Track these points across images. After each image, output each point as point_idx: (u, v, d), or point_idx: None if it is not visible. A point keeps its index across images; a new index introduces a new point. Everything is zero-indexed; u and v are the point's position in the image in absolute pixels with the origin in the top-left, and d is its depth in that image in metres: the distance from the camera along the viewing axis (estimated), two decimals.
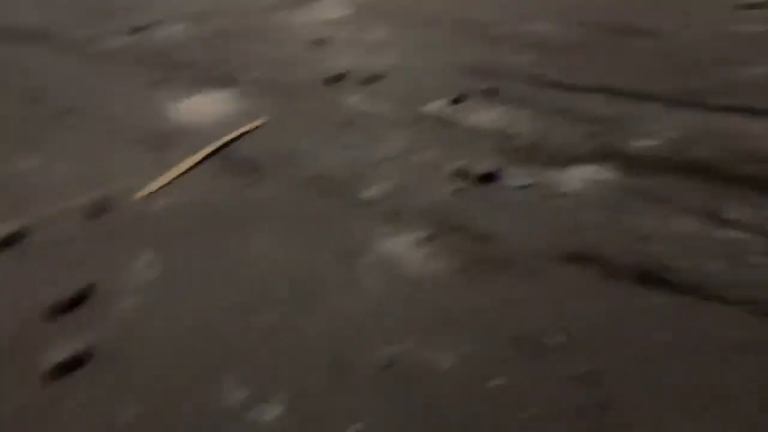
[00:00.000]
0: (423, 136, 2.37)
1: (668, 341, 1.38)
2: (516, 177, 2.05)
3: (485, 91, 2.70)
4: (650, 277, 1.58)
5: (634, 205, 1.87)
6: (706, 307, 1.47)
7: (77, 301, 1.65)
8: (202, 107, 2.76)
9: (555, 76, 2.78)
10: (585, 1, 3.84)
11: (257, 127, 2.53)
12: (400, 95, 2.74)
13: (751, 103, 2.37)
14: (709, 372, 1.30)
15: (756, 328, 1.40)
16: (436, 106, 2.61)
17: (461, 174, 2.09)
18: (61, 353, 1.46)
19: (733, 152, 2.11)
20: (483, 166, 2.10)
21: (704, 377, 1.29)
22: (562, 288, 1.57)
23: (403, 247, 1.75)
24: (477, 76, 2.86)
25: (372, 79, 2.93)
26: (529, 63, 2.96)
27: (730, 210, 1.80)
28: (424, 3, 4.13)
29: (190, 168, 2.26)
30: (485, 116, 2.49)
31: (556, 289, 1.57)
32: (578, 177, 2.02)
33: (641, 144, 2.18)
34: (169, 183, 2.18)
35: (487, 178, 2.06)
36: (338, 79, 2.97)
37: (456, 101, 2.64)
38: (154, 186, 2.15)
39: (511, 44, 3.23)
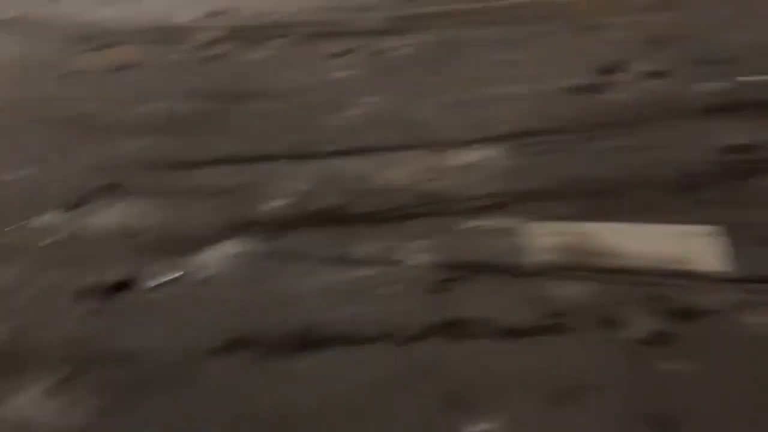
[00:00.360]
0: (40, 258, 2.05)
1: (336, 399, 1.40)
2: (153, 276, 1.90)
3: (105, 188, 2.48)
4: (306, 340, 1.60)
5: (275, 270, 1.89)
6: (356, 352, 1.54)
7: None
8: None
9: (176, 155, 2.70)
10: (192, 74, 3.86)
11: None
12: (4, 215, 2.34)
13: (352, 144, 2.64)
14: (373, 420, 1.35)
15: (399, 360, 1.51)
16: (52, 218, 2.30)
17: (91, 291, 1.86)
18: None
19: (350, 194, 2.30)
20: (115, 275, 1.91)
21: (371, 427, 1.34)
22: (222, 386, 1.49)
23: (30, 404, 1.46)
24: (94, 173, 2.61)
25: None
26: (148, 147, 2.83)
27: (357, 249, 1.95)
28: (15, 103, 3.65)
29: None
30: (109, 216, 2.28)
31: (216, 390, 1.48)
32: (217, 257, 1.96)
33: (270, 206, 2.24)
34: None
35: (122, 286, 1.87)
36: None
37: (74, 207, 2.37)
38: None
39: (125, 131, 3.05)
